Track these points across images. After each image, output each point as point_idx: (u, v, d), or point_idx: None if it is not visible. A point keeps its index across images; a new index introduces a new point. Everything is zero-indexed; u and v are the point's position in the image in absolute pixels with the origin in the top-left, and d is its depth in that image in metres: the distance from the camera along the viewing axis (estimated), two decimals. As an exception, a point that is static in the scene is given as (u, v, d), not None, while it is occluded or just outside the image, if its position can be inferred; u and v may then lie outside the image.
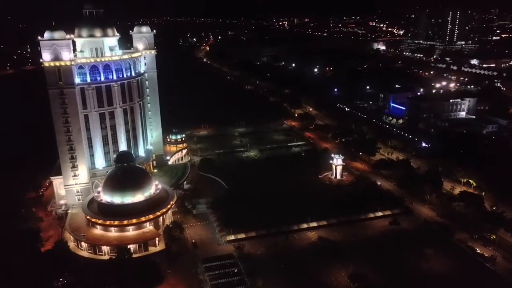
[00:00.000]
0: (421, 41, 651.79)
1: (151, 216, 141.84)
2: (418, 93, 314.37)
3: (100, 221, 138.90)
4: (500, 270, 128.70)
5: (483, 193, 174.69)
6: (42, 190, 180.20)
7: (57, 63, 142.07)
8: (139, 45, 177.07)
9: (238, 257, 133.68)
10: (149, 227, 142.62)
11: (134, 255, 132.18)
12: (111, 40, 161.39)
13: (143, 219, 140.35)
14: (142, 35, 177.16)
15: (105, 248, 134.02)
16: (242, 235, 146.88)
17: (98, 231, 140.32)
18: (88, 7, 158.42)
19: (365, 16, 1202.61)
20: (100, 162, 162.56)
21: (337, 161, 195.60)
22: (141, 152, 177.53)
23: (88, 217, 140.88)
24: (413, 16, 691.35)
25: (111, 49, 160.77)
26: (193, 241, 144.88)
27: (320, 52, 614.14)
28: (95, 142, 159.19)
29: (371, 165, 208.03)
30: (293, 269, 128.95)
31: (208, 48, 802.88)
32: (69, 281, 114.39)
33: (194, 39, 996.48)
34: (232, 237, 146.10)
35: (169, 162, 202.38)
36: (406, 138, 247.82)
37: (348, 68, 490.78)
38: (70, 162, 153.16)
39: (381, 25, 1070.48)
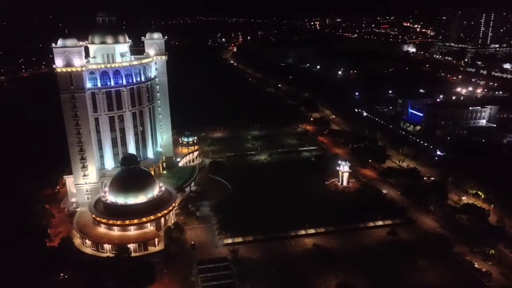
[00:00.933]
0: (452, 44, 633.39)
1: (152, 217, 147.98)
2: (438, 99, 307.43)
3: (104, 220, 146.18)
4: (495, 286, 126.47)
5: (491, 206, 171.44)
6: (58, 188, 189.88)
7: (69, 69, 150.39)
8: (151, 51, 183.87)
9: (232, 261, 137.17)
10: (150, 227, 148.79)
11: (134, 254, 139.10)
12: (122, 47, 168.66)
13: (144, 219, 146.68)
14: (154, 41, 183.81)
15: (107, 246, 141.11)
16: (240, 239, 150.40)
17: (102, 229, 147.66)
18: (101, 15, 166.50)
19: (400, 16, 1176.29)
20: (109, 163, 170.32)
21: (344, 168, 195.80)
22: (150, 154, 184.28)
23: (93, 215, 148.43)
24: (444, 18, 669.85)
25: (122, 55, 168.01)
26: (192, 242, 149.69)
27: (347, 54, 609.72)
28: (104, 144, 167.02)
29: (380, 172, 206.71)
30: (283, 275, 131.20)
31: (235, 49, 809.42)
32: (68, 277, 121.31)
33: (223, 39, 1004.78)
34: (229, 241, 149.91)
35: (180, 164, 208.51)
36: (421, 146, 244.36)
37: (373, 71, 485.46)
38: (80, 163, 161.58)
39: (416, 26, 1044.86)
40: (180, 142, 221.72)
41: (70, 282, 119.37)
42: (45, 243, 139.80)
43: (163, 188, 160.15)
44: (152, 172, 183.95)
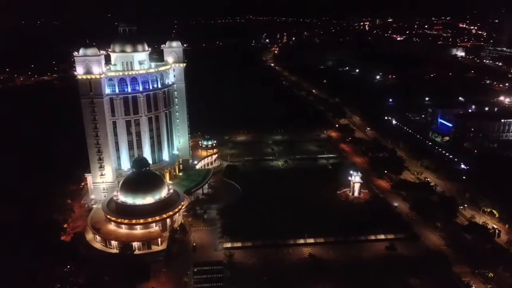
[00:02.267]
0: (504, 48, 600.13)
1: (157, 218, 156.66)
2: (470, 110, 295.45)
3: (113, 218, 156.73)
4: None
5: (506, 226, 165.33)
6: (82, 184, 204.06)
7: (88, 76, 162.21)
8: (169, 58, 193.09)
9: (226, 265, 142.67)
10: (155, 227, 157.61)
11: (138, 252, 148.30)
12: (141, 55, 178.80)
13: (149, 220, 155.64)
14: (172, 50, 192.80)
15: (114, 243, 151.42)
16: (239, 244, 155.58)
17: (112, 226, 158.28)
18: (122, 25, 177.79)
19: (457, 17, 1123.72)
20: (125, 164, 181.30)
21: (355, 178, 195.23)
22: (166, 157, 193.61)
23: (104, 213, 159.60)
24: (496, 20, 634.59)
25: (140, 62, 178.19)
26: (194, 244, 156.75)
27: (389, 57, 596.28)
28: (121, 146, 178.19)
29: (393, 184, 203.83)
30: (274, 282, 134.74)
31: (278, 50, 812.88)
32: (72, 270, 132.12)
33: (267, 40, 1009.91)
34: (228, 245, 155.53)
35: (197, 166, 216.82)
36: (446, 158, 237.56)
37: (412, 77, 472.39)
38: (98, 163, 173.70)
39: (471, 28, 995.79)
40: (200, 145, 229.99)
41: (72, 274, 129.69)
42: (59, 236, 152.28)
43: (171, 191, 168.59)
44: (168, 174, 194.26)
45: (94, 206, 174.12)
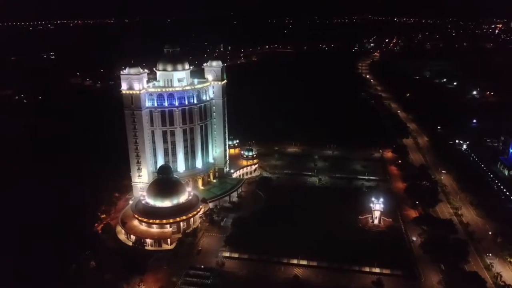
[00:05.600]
0: None
1: (171, 220, 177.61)
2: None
3: (136, 216, 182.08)
4: None
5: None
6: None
7: (131, 92, 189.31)
8: (209, 76, 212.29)
9: (215, 273, 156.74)
10: (169, 228, 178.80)
11: (150, 248, 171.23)
12: (180, 74, 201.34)
13: (164, 221, 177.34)
14: (212, 69, 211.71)
15: (133, 237, 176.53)
16: (236, 254, 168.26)
17: (136, 223, 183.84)
18: (167, 47, 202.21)
19: None
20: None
21: (376, 205, 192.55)
22: (199, 165, 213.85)
23: (131, 210, 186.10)
24: None
25: (179, 80, 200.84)
26: (199, 248, 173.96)
27: (501, 70, 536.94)
28: (158, 152, 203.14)
29: (419, 217, 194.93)
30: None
31: (378, 56, 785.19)
32: (89, 256, 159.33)
33: (372, 44, 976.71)
34: (227, 254, 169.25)
35: (234, 175, 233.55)
36: (502, 195, 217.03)
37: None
38: (136, 165, 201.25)
39: None
40: (241, 155, 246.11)
41: (87, 258, 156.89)
42: (93, 226, 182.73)
43: (190, 197, 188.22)
44: (200, 180, 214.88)
45: (130, 202, 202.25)
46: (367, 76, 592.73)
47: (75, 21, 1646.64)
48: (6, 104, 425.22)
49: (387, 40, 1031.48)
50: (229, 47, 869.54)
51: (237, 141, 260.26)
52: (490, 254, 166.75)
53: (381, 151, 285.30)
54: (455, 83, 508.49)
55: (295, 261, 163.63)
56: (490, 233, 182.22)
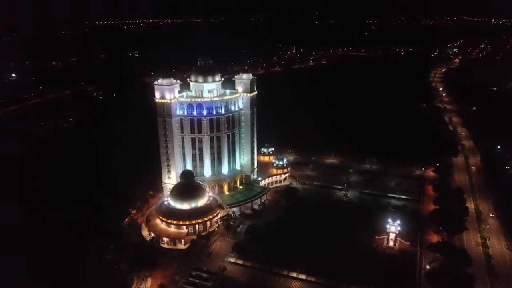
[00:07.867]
0: None
1: (187, 222, 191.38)
2: None
3: (158, 215, 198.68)
4: None
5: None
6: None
7: (163, 101, 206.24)
8: (239, 88, 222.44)
9: (216, 277, 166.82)
10: (185, 229, 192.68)
11: (164, 246, 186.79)
12: (210, 85, 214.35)
13: (180, 222, 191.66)
14: (242, 81, 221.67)
15: (152, 234, 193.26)
16: (241, 261, 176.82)
17: (158, 221, 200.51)
18: (200, 59, 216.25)
19: None
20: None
21: (391, 227, 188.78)
22: (225, 171, 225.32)
23: (155, 209, 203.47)
24: None
25: (210, 91, 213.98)
26: (210, 251, 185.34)
27: None
28: (186, 157, 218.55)
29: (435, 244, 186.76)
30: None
31: (458, 63, 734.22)
32: (111, 249, 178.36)
33: (455, 49, 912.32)
34: (233, 260, 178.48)
35: (261, 183, 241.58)
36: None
37: None
38: (166, 168, 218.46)
39: None
40: (272, 163, 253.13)
41: (105, 251, 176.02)
42: (122, 221, 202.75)
43: (209, 201, 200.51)
44: (226, 186, 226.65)
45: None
46: (437, 85, 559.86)
47: (165, 20, 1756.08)
48: (82, 99, 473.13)
49: (472, 46, 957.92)
50: (301, 50, 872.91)
51: (272, 149, 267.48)
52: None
53: (423, 168, 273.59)
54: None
55: (294, 274, 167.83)
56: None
